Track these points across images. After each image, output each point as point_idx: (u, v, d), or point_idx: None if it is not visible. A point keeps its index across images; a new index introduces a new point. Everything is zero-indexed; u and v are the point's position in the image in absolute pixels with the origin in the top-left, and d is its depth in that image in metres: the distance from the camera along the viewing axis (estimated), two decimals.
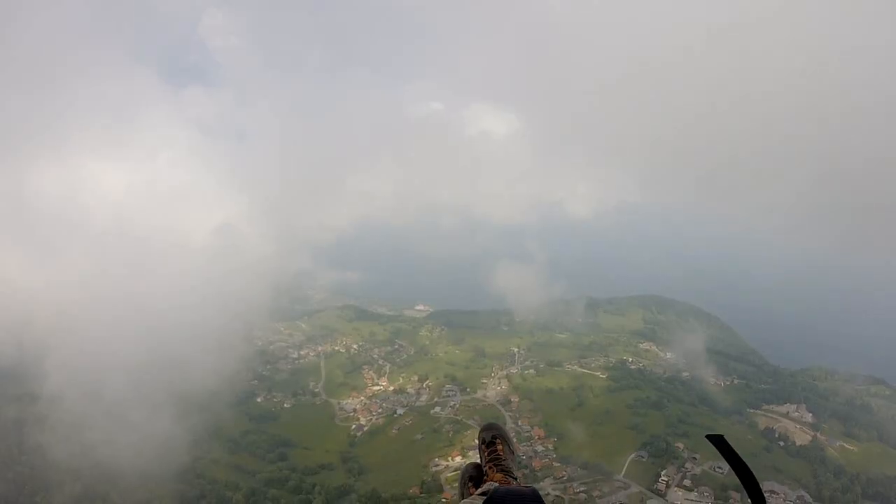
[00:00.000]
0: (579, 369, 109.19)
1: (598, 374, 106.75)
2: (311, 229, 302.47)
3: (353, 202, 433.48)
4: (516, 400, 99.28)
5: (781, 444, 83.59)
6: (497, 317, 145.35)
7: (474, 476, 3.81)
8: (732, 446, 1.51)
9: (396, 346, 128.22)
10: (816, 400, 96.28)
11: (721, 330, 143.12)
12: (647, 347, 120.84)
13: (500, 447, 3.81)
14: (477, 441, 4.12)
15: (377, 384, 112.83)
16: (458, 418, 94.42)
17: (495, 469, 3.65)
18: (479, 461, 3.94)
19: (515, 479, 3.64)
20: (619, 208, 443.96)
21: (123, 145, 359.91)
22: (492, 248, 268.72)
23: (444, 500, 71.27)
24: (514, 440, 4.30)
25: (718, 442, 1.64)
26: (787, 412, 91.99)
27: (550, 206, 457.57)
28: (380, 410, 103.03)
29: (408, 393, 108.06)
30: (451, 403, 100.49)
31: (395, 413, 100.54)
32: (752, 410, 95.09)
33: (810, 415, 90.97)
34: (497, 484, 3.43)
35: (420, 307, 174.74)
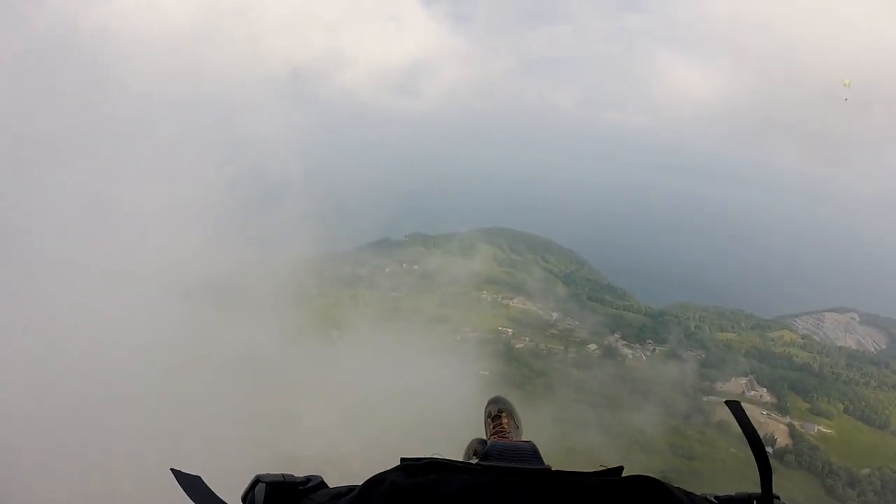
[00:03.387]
0: None
1: None
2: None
3: None
4: None
5: (769, 450, 55.34)
6: None
7: (479, 451, 3.46)
8: (746, 414, 1.69)
9: None
10: (758, 366, 78.69)
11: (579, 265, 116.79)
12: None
13: (505, 420, 3.80)
14: (483, 415, 4.05)
15: None
16: None
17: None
18: (483, 436, 3.91)
19: None
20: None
21: None
22: None
23: None
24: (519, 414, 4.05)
25: (735, 409, 1.76)
26: (742, 391, 72.87)
27: None
28: None
29: None
30: None
31: None
32: (706, 398, 70.22)
33: (765, 390, 74.52)
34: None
35: None
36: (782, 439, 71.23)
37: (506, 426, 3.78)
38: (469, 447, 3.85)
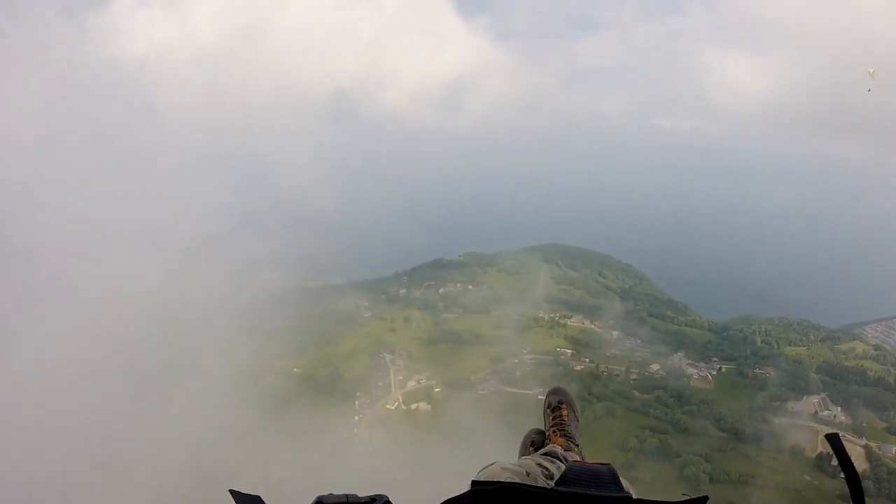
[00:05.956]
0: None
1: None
2: None
3: None
4: None
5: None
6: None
7: (536, 441, 3.83)
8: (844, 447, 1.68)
9: None
10: (831, 383, 73.10)
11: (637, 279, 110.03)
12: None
13: (564, 412, 3.81)
14: (543, 405, 4.05)
15: None
16: None
17: (558, 434, 3.66)
18: (541, 426, 3.94)
19: (577, 445, 3.68)
20: None
21: None
22: None
23: None
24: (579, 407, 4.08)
25: (834, 441, 1.76)
26: (815, 411, 67.36)
27: None
28: None
29: None
30: None
31: None
32: (777, 421, 66.23)
33: (838, 409, 69.59)
34: (561, 450, 3.35)
35: None
36: (859, 464, 66.45)
37: (565, 417, 3.82)
38: (526, 438, 3.99)
